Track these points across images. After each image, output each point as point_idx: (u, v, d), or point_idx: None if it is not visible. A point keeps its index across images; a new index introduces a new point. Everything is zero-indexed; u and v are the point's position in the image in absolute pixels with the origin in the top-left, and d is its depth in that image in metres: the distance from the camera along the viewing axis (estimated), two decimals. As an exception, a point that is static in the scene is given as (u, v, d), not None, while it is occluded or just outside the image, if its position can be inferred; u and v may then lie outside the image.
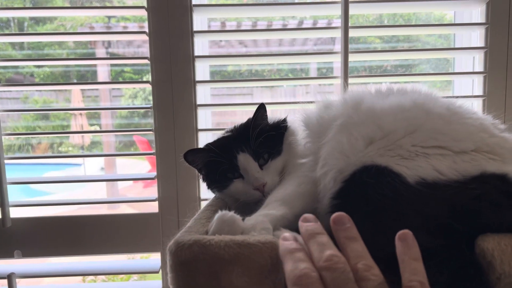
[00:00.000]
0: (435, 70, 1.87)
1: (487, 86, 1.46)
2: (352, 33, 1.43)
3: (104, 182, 3.71)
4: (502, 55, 1.45)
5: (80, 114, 3.64)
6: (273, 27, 1.91)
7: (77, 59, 1.75)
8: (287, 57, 1.53)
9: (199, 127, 1.48)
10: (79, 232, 1.50)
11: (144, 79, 1.50)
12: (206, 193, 1.47)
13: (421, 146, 0.75)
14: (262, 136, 0.99)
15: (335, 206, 0.75)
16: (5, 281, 1.46)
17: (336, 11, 1.44)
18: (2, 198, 1.43)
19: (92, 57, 2.55)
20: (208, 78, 1.63)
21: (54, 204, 1.54)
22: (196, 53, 1.46)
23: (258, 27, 1.89)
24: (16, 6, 1.57)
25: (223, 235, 0.68)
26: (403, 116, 0.80)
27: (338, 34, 1.44)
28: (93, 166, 4.96)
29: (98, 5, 1.83)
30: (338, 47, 1.46)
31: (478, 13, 1.50)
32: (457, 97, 1.50)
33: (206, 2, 1.56)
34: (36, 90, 3.40)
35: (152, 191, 1.51)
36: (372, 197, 0.68)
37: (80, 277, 2.29)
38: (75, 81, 3.49)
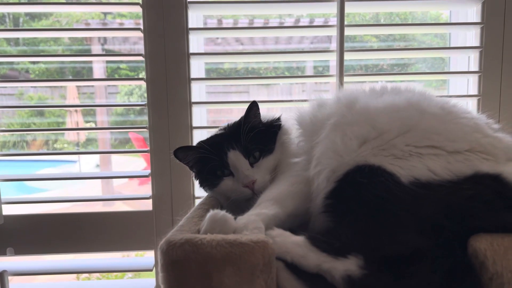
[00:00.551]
0: (430, 69, 1.87)
1: (482, 86, 1.46)
2: (348, 31, 1.42)
3: (99, 179, 3.69)
4: (497, 54, 1.45)
5: (76, 111, 3.62)
6: (270, 24, 1.90)
7: (71, 55, 1.74)
8: (283, 55, 1.52)
9: (194, 124, 1.47)
10: (73, 229, 1.49)
11: (140, 76, 1.49)
12: (200, 191, 1.46)
13: (414, 145, 0.75)
14: (252, 133, 0.98)
15: (328, 206, 0.74)
16: (-2, 279, 1.45)
17: (332, 9, 1.44)
18: (-5, 195, 1.42)
19: (86, 53, 2.54)
20: (203, 75, 1.62)
21: (47, 202, 1.54)
22: (191, 51, 1.45)
23: (255, 25, 1.89)
24: (11, 1, 1.55)
25: (215, 234, 0.68)
26: (397, 116, 0.80)
27: (334, 32, 1.43)
28: (88, 163, 4.95)
29: (93, 0, 1.81)
30: (334, 45, 1.45)
31: (473, 13, 1.50)
32: (452, 96, 1.50)
33: (201, -1, 1.55)
34: (31, 87, 3.39)
35: (147, 188, 1.50)
36: (365, 197, 0.67)
37: (74, 275, 2.28)
38: (70, 77, 3.47)
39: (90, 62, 3.15)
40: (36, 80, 1.64)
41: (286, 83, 2.11)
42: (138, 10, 1.42)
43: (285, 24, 2.09)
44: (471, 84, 1.52)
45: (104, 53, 3.52)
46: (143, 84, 1.44)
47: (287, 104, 1.49)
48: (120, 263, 1.54)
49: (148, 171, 1.48)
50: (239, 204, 0.94)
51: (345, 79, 1.43)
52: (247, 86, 2.19)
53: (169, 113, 1.45)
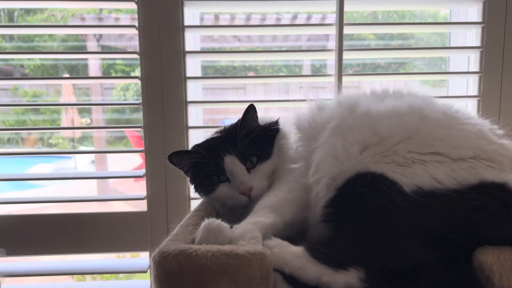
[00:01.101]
0: (427, 66, 1.85)
1: (482, 86, 1.44)
2: (347, 30, 1.39)
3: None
4: (498, 55, 1.43)
5: (72, 108, 3.59)
6: (267, 21, 1.87)
7: (65, 52, 1.71)
8: (280, 54, 1.50)
9: (190, 124, 1.44)
10: (66, 230, 1.46)
11: (136, 72, 1.45)
12: (196, 193, 1.44)
13: (417, 152, 0.72)
14: (249, 138, 0.95)
15: (328, 215, 0.72)
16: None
17: (331, 7, 1.41)
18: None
19: (81, 50, 2.51)
20: (199, 73, 1.59)
21: (39, 202, 1.51)
22: (187, 48, 1.42)
23: (252, 21, 1.86)
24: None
25: (210, 245, 0.65)
26: (399, 121, 0.77)
27: (332, 31, 1.40)
28: (84, 159, 4.91)
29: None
30: (332, 43, 1.42)
31: (474, 12, 1.47)
32: (451, 97, 1.48)
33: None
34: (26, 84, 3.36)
35: (143, 185, 1.47)
36: (366, 207, 0.65)
37: (67, 276, 2.25)
38: (65, 72, 3.44)
39: (86, 58, 3.12)
40: (29, 78, 1.61)
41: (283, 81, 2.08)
42: (133, 6, 1.39)
43: (283, 21, 2.06)
44: (471, 85, 1.50)
45: (100, 49, 3.50)
46: (138, 82, 1.41)
47: (285, 103, 1.46)
48: (114, 264, 1.52)
49: (143, 171, 1.45)
50: (236, 210, 0.91)
51: (344, 78, 1.41)
52: (244, 83, 2.16)
53: (164, 112, 1.42)
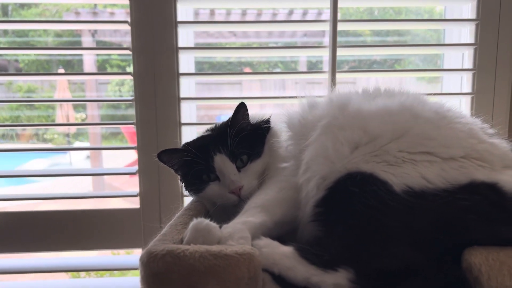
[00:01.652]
0: (423, 62, 1.85)
1: (476, 84, 1.43)
2: (341, 26, 1.38)
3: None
4: (492, 52, 1.42)
5: (67, 103, 3.57)
6: (263, 16, 1.87)
7: (58, 48, 1.70)
8: (275, 50, 1.49)
9: (183, 121, 1.43)
10: (58, 227, 1.45)
11: (129, 69, 1.44)
12: (189, 189, 1.44)
13: (408, 151, 0.72)
14: (239, 136, 0.94)
15: (317, 215, 0.71)
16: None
17: (325, 3, 1.40)
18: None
19: (75, 46, 2.49)
20: (193, 69, 1.58)
21: (31, 199, 1.50)
22: (180, 44, 1.41)
23: (248, 16, 1.85)
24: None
25: (199, 245, 0.64)
26: (390, 120, 0.77)
27: (326, 27, 1.40)
28: (79, 154, 4.89)
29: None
30: (327, 40, 1.42)
31: (468, 9, 1.46)
32: (445, 94, 1.47)
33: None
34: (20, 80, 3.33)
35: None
36: (356, 207, 0.64)
37: (60, 273, 2.24)
38: (60, 67, 3.41)
39: (80, 53, 3.11)
40: (23, 74, 1.60)
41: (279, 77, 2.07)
42: (125, 2, 1.37)
43: (279, 16, 2.06)
44: (465, 82, 1.49)
45: (95, 43, 3.47)
46: (131, 78, 1.40)
47: (280, 100, 1.46)
48: (107, 261, 1.51)
49: (136, 168, 1.44)
50: (227, 209, 0.91)
51: (338, 75, 1.40)
52: (240, 79, 2.15)
53: (157, 108, 1.41)
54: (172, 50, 1.39)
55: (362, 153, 0.74)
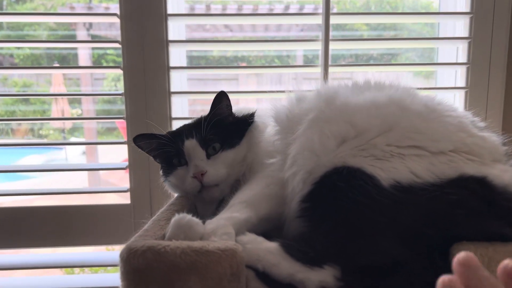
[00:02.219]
0: (420, 58, 1.83)
1: (470, 78, 1.41)
2: (333, 20, 1.36)
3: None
4: (486, 46, 1.40)
5: (62, 98, 3.55)
6: (259, 10, 1.84)
7: (49, 41, 1.67)
8: (268, 43, 1.47)
9: (174, 115, 1.41)
10: (51, 222, 1.43)
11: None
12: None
13: (396, 145, 0.70)
14: (213, 123, 0.94)
15: (303, 210, 0.70)
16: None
17: (319, -3, 1.38)
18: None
19: (68, 40, 2.47)
20: (184, 63, 1.55)
21: (25, 194, 1.48)
22: (171, 38, 1.39)
23: (244, 10, 1.82)
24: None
25: (180, 241, 0.63)
26: (377, 113, 0.75)
27: (319, 20, 1.38)
28: (75, 150, 4.88)
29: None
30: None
31: (463, 2, 1.44)
32: (439, 88, 1.46)
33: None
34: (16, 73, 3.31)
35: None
36: (343, 202, 0.63)
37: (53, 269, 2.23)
38: (56, 62, 3.38)
39: (75, 47, 3.08)
40: (18, 67, 1.57)
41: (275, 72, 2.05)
42: (115, -6, 1.35)
43: (275, 10, 2.03)
44: (459, 76, 1.47)
45: (90, 38, 3.44)
46: (120, 71, 1.38)
47: (276, 95, 1.44)
48: (99, 257, 1.50)
49: (126, 163, 1.43)
50: (207, 202, 0.91)
51: (331, 69, 1.38)
52: (236, 74, 2.13)
53: (147, 103, 1.39)
54: (162, 43, 1.37)
55: (349, 147, 0.72)
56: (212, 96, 1.45)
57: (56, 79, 3.68)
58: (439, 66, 1.49)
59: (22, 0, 4.03)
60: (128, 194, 1.43)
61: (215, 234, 0.66)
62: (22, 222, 1.43)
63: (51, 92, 3.55)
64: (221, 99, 0.97)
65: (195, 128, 0.94)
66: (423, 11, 1.89)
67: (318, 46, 1.38)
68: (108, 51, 3.83)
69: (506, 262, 0.43)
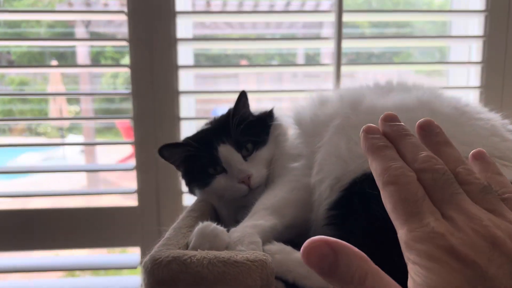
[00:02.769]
0: (424, 56, 1.80)
1: (485, 77, 1.39)
2: (346, 17, 1.34)
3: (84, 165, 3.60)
4: (501, 44, 1.38)
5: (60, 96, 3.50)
6: (260, 8, 1.81)
7: (50, 39, 1.64)
8: (276, 41, 1.45)
9: (182, 115, 1.38)
10: (54, 224, 1.40)
11: (126, 59, 1.39)
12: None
13: None
14: (243, 124, 0.90)
15: (332, 217, 0.67)
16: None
17: (328, -7, 1.35)
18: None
19: (69, 37, 2.42)
20: (191, 61, 1.52)
21: (23, 196, 1.45)
22: (179, 35, 1.35)
23: (245, 8, 1.79)
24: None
25: (206, 250, 0.60)
26: (407, 117, 0.71)
27: (331, 18, 1.35)
28: (73, 148, 4.82)
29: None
30: (325, 31, 1.37)
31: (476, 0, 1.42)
32: (452, 88, 1.43)
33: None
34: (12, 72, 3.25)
35: (134, 176, 1.41)
36: (375, 212, 0.60)
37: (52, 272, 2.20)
38: (53, 59, 3.34)
39: (74, 45, 3.04)
40: (14, 66, 1.54)
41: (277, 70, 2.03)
42: (122, -8, 1.32)
43: (276, 7, 2.00)
44: (472, 75, 1.45)
45: (88, 35, 3.40)
46: (127, 70, 1.35)
47: (279, 94, 1.41)
48: (102, 260, 1.47)
49: (132, 164, 1.39)
50: (232, 203, 0.88)
51: (342, 68, 1.35)
52: (237, 72, 2.10)
53: (155, 102, 1.36)
54: (170, 41, 1.34)
55: None
56: (219, 96, 1.44)
57: (54, 76, 3.64)
58: (453, 65, 1.47)
59: (19, -4, 3.98)
60: (135, 196, 1.40)
61: (241, 243, 0.63)
62: (22, 224, 1.40)
63: (50, 90, 3.51)
64: (243, 98, 0.94)
65: (223, 131, 0.91)
66: (425, 8, 1.86)
67: (329, 44, 1.36)
68: (107, 48, 3.78)
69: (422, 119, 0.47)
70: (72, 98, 3.21)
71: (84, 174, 4.03)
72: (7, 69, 1.55)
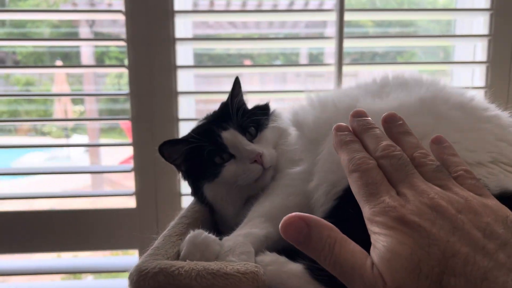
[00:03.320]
0: (427, 56, 1.77)
1: (490, 77, 1.36)
2: (347, 16, 1.31)
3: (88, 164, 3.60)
4: (507, 43, 1.35)
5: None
6: (263, 7, 1.79)
7: (54, 39, 1.63)
8: (278, 41, 1.42)
9: (180, 116, 1.36)
10: (51, 227, 1.39)
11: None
12: (187, 187, 1.36)
13: None
14: (242, 109, 0.89)
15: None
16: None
17: (330, -8, 1.33)
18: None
19: (71, 37, 2.41)
20: (191, 61, 1.50)
21: (25, 198, 1.45)
22: (178, 35, 1.33)
23: (248, 7, 1.77)
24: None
25: (195, 262, 0.57)
26: (409, 123, 0.67)
27: (332, 17, 1.32)
28: (77, 148, 4.82)
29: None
30: (329, 30, 1.35)
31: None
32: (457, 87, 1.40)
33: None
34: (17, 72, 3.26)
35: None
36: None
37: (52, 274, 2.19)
38: (58, 59, 3.33)
39: (78, 45, 3.03)
40: (18, 66, 1.53)
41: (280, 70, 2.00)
42: (119, -9, 1.30)
43: (279, 7, 1.98)
44: (477, 75, 1.42)
45: (92, 35, 3.39)
46: (126, 71, 1.33)
47: (281, 94, 1.38)
48: (99, 262, 1.46)
49: (131, 166, 1.38)
50: (240, 200, 0.85)
51: (344, 68, 1.33)
52: (240, 72, 2.07)
53: (153, 103, 1.34)
54: (169, 41, 1.32)
55: None
56: (222, 96, 1.41)
57: (58, 77, 3.64)
58: (457, 64, 1.44)
59: (25, -4, 3.98)
60: (133, 198, 1.38)
61: (232, 253, 0.60)
62: (22, 226, 1.39)
63: (54, 90, 3.51)
64: (237, 84, 0.94)
65: (222, 119, 0.88)
66: (429, 7, 1.83)
67: (331, 44, 1.33)
68: (111, 48, 3.77)
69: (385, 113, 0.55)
70: (77, 98, 3.22)
71: (88, 175, 4.04)
72: (12, 69, 1.54)
